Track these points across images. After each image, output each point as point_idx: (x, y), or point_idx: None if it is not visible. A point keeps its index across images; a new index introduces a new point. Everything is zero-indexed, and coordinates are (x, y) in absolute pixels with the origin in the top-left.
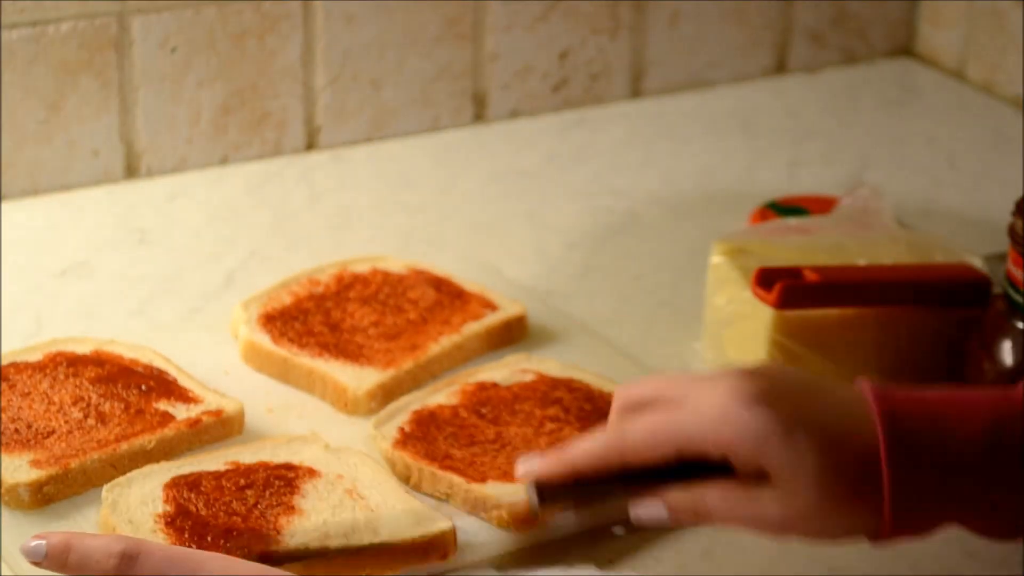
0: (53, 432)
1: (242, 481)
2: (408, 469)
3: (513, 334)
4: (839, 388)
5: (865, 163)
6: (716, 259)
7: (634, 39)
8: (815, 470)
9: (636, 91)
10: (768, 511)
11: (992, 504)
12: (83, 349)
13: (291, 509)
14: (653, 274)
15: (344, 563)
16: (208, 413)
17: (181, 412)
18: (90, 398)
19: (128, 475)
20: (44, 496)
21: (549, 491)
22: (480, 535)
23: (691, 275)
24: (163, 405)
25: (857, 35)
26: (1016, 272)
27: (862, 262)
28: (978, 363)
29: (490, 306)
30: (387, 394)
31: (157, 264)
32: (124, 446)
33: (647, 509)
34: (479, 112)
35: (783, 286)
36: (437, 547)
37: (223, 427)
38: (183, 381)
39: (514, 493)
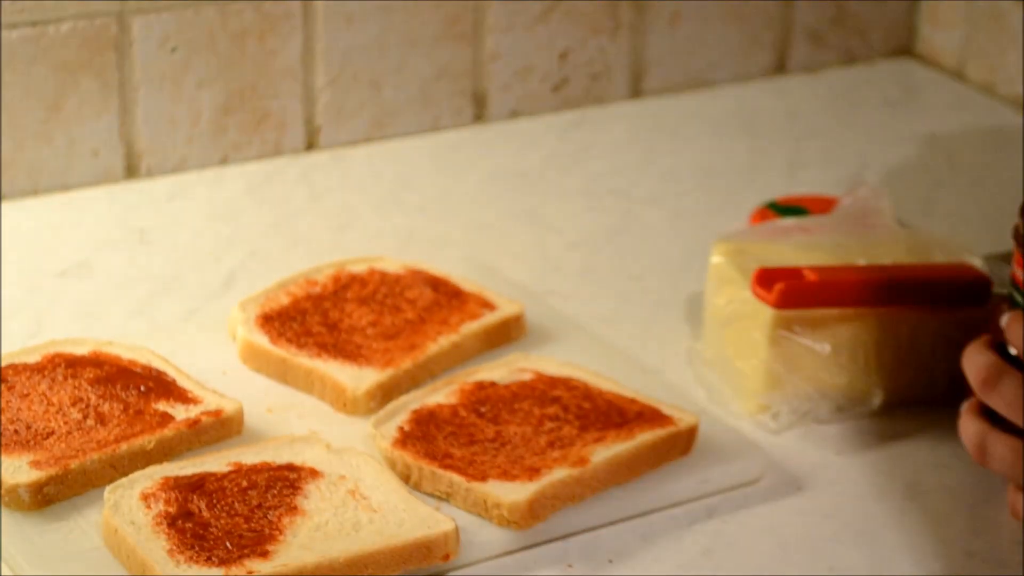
0: (52, 433)
1: (244, 482)
2: (408, 468)
3: (511, 333)
4: None
5: (865, 163)
6: (716, 259)
7: (634, 39)
8: None
9: (636, 91)
10: None
11: None
12: (81, 350)
13: (294, 510)
14: (653, 274)
15: (347, 563)
16: (207, 413)
17: (180, 412)
18: (89, 399)
19: (130, 476)
20: (44, 497)
21: None
22: (480, 534)
23: (691, 275)
24: (162, 406)
25: (857, 35)
26: (1020, 274)
27: (862, 262)
28: None
29: (488, 306)
30: (386, 394)
31: (157, 264)
32: (124, 447)
33: None
34: (479, 112)
35: (783, 286)
36: (440, 547)
37: (222, 427)
38: (182, 382)
39: (514, 492)
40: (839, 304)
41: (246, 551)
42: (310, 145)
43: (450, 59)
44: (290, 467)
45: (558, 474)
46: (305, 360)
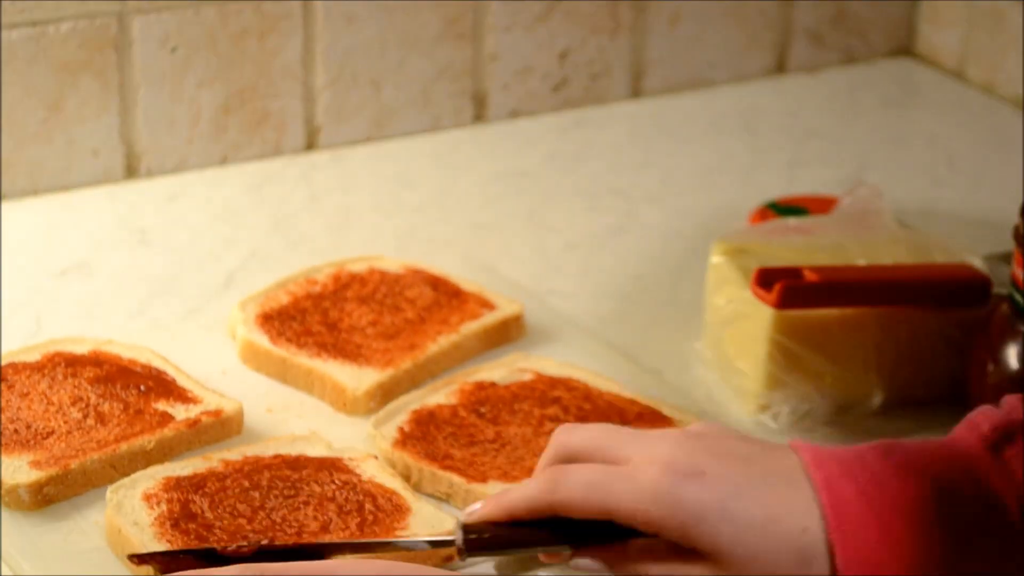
0: (52, 433)
1: (247, 482)
2: (408, 469)
3: (511, 333)
4: (777, 454)
5: (865, 163)
6: (716, 259)
7: (634, 39)
8: (751, 553)
9: (636, 91)
10: None
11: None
12: (81, 349)
13: (296, 510)
14: (653, 274)
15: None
16: (207, 413)
17: (180, 412)
18: (89, 398)
19: (132, 476)
20: (44, 497)
21: (476, 533)
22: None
23: (691, 275)
24: (162, 405)
25: (857, 35)
26: (1020, 274)
27: (862, 262)
28: (982, 366)
29: (488, 305)
30: (386, 394)
31: (157, 264)
32: (124, 446)
33: (586, 564)
34: (479, 112)
35: (783, 286)
36: (443, 548)
37: (222, 427)
38: (182, 381)
39: None
40: (839, 304)
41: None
42: (310, 145)
43: (450, 59)
44: (292, 467)
45: None
46: (305, 360)
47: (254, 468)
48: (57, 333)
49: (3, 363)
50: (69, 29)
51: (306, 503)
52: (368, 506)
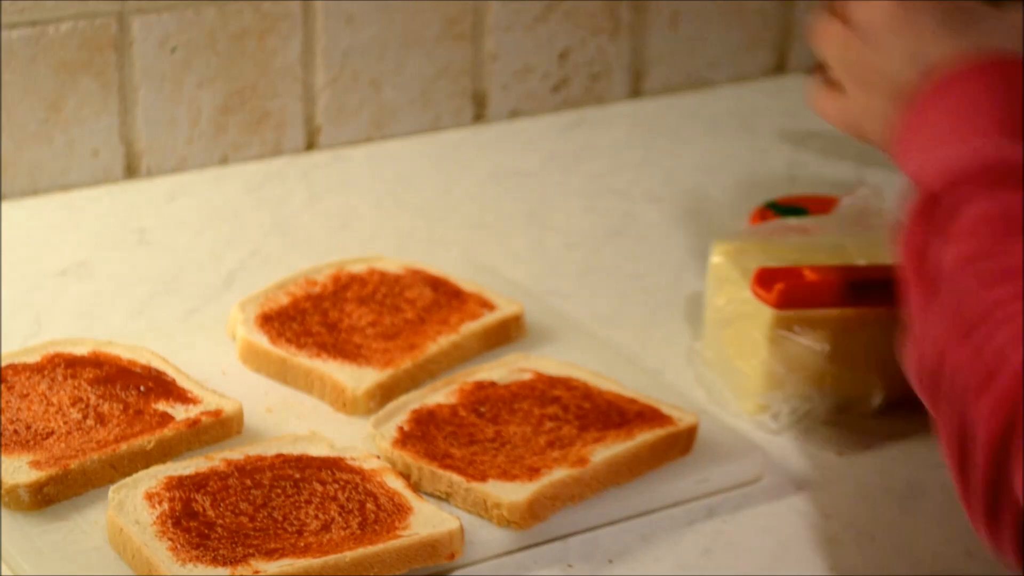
0: (52, 433)
1: (248, 481)
2: (408, 468)
3: (511, 333)
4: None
5: (865, 163)
6: (716, 259)
7: (634, 39)
8: None
9: (636, 91)
10: None
11: None
12: (81, 350)
13: (298, 509)
14: (653, 274)
15: (352, 563)
16: (207, 413)
17: (180, 412)
18: (89, 399)
19: (134, 476)
20: (44, 497)
21: None
22: (480, 534)
23: (691, 275)
24: (162, 406)
25: None
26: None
27: (862, 262)
28: None
29: (488, 306)
30: (386, 394)
31: (157, 264)
32: (123, 447)
33: None
34: (479, 112)
35: (783, 286)
36: (445, 547)
37: (222, 427)
38: (181, 382)
39: (514, 492)
40: (839, 304)
41: (251, 550)
42: (310, 145)
43: (450, 59)
44: (294, 466)
45: (558, 474)
46: (305, 360)
47: (256, 467)
48: (57, 333)
49: (3, 364)
50: (69, 29)
51: (308, 502)
52: (369, 505)
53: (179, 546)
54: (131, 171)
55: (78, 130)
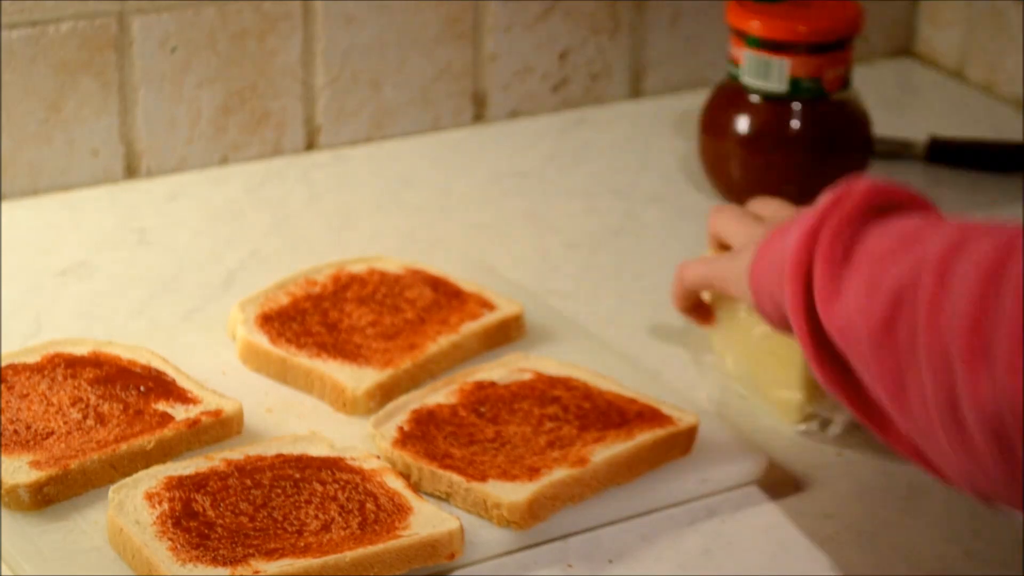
0: (52, 433)
1: (248, 481)
2: (408, 468)
3: (511, 333)
4: None
5: None
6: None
7: (634, 39)
8: None
9: (636, 91)
10: None
11: None
12: (81, 350)
13: (298, 509)
14: (653, 274)
15: (352, 563)
16: (207, 413)
17: (180, 413)
18: (89, 399)
19: (134, 476)
20: (44, 497)
21: None
22: (480, 534)
23: None
24: (162, 406)
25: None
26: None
27: None
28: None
29: (488, 306)
30: (386, 394)
31: (157, 264)
32: (123, 447)
33: None
34: (479, 112)
35: None
36: (445, 546)
37: (222, 427)
38: (182, 382)
39: (514, 492)
40: None
41: (251, 550)
42: (310, 145)
43: (450, 59)
44: (294, 466)
45: (558, 474)
46: (305, 360)
47: (256, 467)
48: (57, 333)
49: (3, 364)
50: (69, 29)
51: (308, 502)
52: (369, 505)
53: (179, 546)
54: (131, 171)
55: (78, 130)
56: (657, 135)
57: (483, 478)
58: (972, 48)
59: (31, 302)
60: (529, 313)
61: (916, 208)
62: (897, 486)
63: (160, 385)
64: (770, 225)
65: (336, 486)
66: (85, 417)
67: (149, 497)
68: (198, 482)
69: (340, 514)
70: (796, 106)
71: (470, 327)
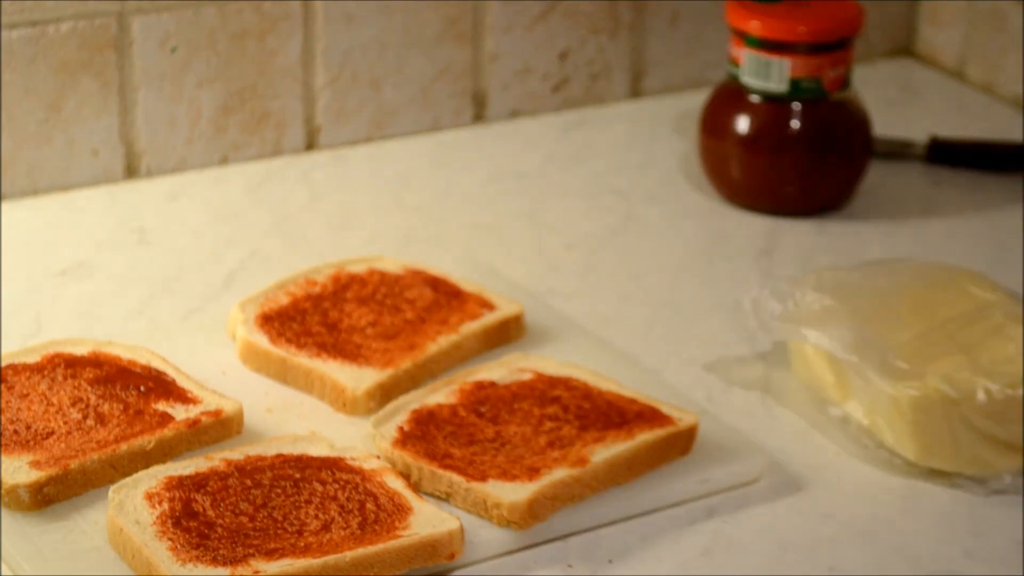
0: (52, 433)
1: (248, 481)
2: (408, 468)
3: (511, 333)
4: None
5: None
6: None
7: (634, 39)
8: None
9: (636, 91)
10: None
11: None
12: (81, 350)
13: (298, 509)
14: (653, 274)
15: (353, 563)
16: (207, 413)
17: (180, 413)
18: (89, 399)
19: (134, 476)
20: (44, 497)
21: None
22: (480, 534)
23: (691, 275)
24: (162, 406)
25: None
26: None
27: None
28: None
29: (488, 306)
30: (386, 394)
31: (157, 264)
32: (123, 447)
33: None
34: (479, 112)
35: None
36: (445, 546)
37: (222, 427)
38: (182, 382)
39: (514, 492)
40: None
41: (251, 550)
42: (310, 145)
43: (450, 59)
44: (294, 466)
45: (558, 474)
46: (305, 360)
47: (256, 467)
48: (57, 333)
49: (3, 364)
50: (69, 29)
51: (308, 502)
52: (369, 505)
53: (179, 546)
54: (131, 171)
55: (78, 130)
56: (657, 135)
57: (483, 478)
58: (972, 48)
59: (31, 302)
60: (529, 313)
61: None
62: (897, 486)
63: (160, 385)
64: None
65: (336, 486)
66: (85, 417)
67: (149, 497)
68: (198, 482)
69: (340, 514)
70: (796, 106)
71: (470, 327)
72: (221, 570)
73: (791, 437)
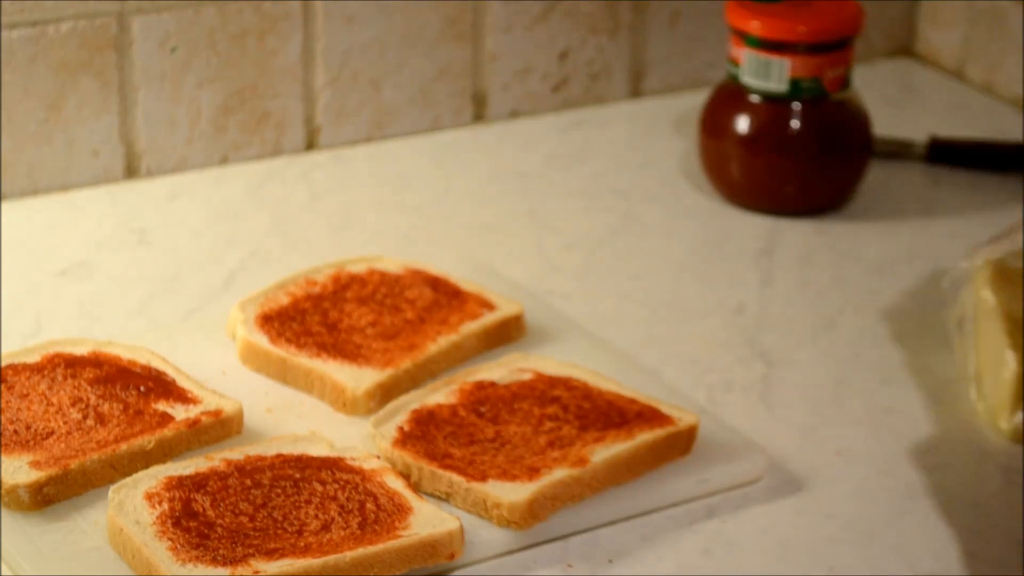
0: (52, 433)
1: (248, 481)
2: (408, 468)
3: (511, 333)
4: None
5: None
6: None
7: (634, 39)
8: None
9: (636, 91)
10: None
11: None
12: (81, 350)
13: (298, 509)
14: (653, 274)
15: (352, 563)
16: (207, 413)
17: (180, 413)
18: (89, 399)
19: (134, 476)
20: (44, 497)
21: None
22: (480, 534)
23: (691, 275)
24: (162, 406)
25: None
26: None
27: None
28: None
29: (488, 305)
30: (386, 394)
31: (157, 264)
32: (123, 447)
33: None
34: (479, 112)
35: None
36: (445, 546)
37: (222, 427)
38: (182, 382)
39: (514, 492)
40: None
41: (251, 550)
42: (310, 145)
43: (450, 59)
44: (294, 466)
45: (558, 474)
46: (305, 360)
47: (256, 467)
48: (57, 333)
49: (3, 364)
50: (69, 29)
51: (308, 502)
52: (369, 505)
53: (179, 546)
54: (131, 171)
55: (78, 130)
56: (657, 135)
57: (483, 478)
58: (972, 48)
59: (31, 302)
60: (529, 313)
61: None
62: (897, 486)
63: (160, 385)
64: None
65: (336, 486)
66: (85, 417)
67: (149, 497)
68: (198, 482)
69: (340, 514)
70: (796, 106)
71: (470, 327)
72: (221, 570)
73: (791, 437)
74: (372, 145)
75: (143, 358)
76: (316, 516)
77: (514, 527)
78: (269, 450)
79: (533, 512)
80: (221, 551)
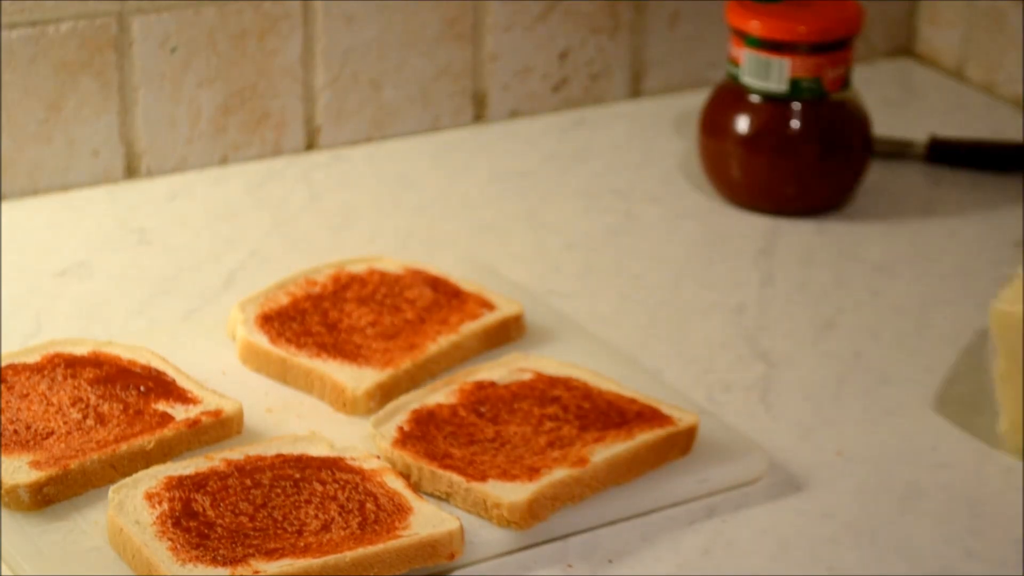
0: (52, 433)
1: (248, 481)
2: (408, 468)
3: (511, 333)
4: None
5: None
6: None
7: (634, 39)
8: None
9: (636, 91)
10: None
11: None
12: (81, 350)
13: (298, 509)
14: (653, 274)
15: (352, 563)
16: (207, 413)
17: (180, 413)
18: (89, 399)
19: (134, 476)
20: (44, 497)
21: None
22: (480, 534)
23: (691, 275)
24: (162, 406)
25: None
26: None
27: None
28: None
29: (488, 305)
30: (385, 394)
31: (157, 264)
32: (123, 447)
33: None
34: (479, 112)
35: None
36: (445, 546)
37: (222, 427)
38: (182, 382)
39: (514, 492)
40: None
41: (251, 550)
42: (310, 145)
43: (450, 59)
44: (294, 466)
45: (558, 474)
46: (305, 360)
47: (256, 467)
48: (57, 333)
49: (3, 364)
50: (69, 29)
51: (308, 502)
52: (369, 505)
53: (179, 546)
54: (131, 171)
55: (78, 130)
56: (657, 135)
57: (483, 478)
58: (972, 48)
59: (31, 302)
60: (529, 313)
61: None
62: (897, 486)
63: (160, 385)
64: None
65: (336, 486)
66: (85, 417)
67: (149, 497)
68: (198, 482)
69: (340, 514)
70: (796, 106)
71: (470, 327)
72: (221, 570)
73: (791, 437)
74: (372, 145)
75: (143, 358)
76: (316, 516)
77: (514, 527)
78: (269, 450)
79: (533, 512)
80: (221, 551)
